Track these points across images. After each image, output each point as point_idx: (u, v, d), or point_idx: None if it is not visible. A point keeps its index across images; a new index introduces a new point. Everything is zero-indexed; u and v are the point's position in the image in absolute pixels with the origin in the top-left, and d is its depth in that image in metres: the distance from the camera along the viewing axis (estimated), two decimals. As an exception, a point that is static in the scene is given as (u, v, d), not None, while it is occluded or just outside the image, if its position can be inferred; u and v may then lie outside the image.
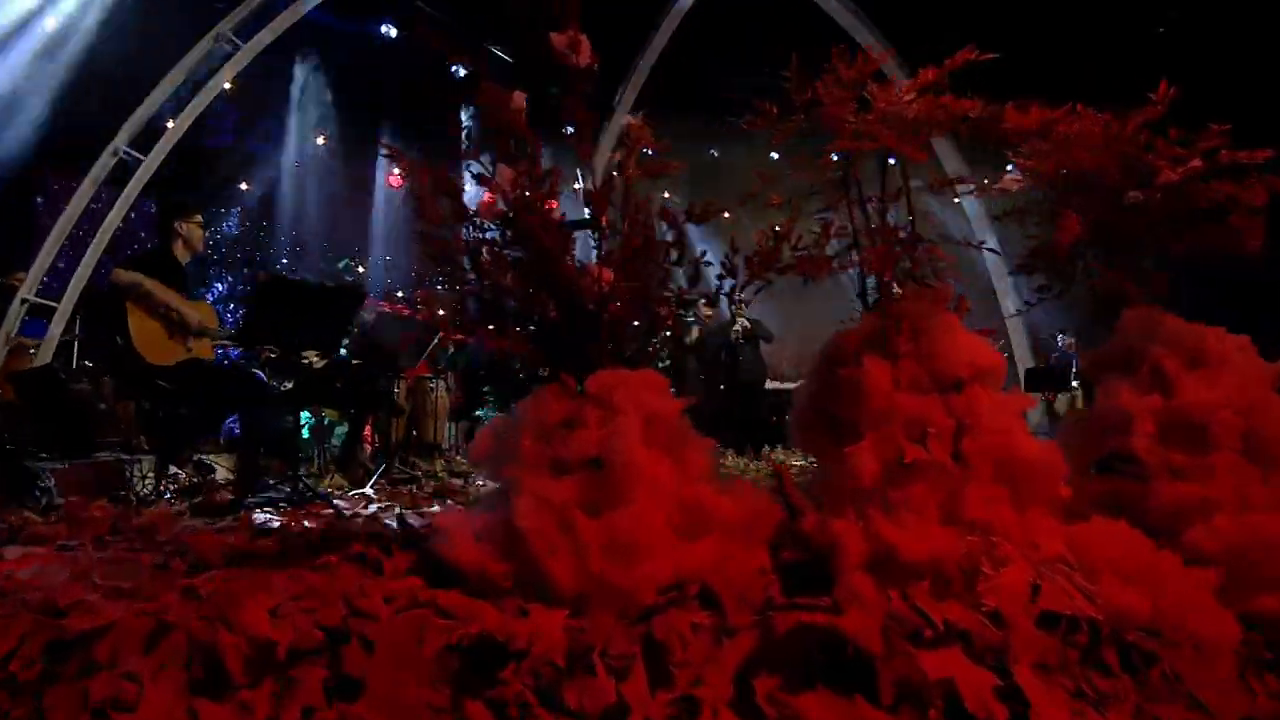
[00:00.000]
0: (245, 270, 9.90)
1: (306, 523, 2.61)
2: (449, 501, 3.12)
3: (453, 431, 8.25)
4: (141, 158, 4.55)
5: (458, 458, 6.58)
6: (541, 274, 1.59)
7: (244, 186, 9.33)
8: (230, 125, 8.65)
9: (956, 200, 10.74)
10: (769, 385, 8.57)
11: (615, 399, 1.48)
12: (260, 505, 2.96)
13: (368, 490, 3.70)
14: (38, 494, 3.09)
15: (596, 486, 1.45)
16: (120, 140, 4.49)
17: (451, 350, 10.07)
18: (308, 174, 9.75)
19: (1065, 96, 1.90)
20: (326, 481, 4.02)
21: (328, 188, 10.07)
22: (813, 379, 1.75)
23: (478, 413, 10.83)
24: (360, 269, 9.90)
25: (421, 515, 2.91)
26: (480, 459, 1.57)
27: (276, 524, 2.57)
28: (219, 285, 9.63)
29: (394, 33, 7.80)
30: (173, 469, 3.59)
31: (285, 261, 10.69)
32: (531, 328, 1.62)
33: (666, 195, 12.67)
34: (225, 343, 3.71)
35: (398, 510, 2.71)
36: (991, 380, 1.62)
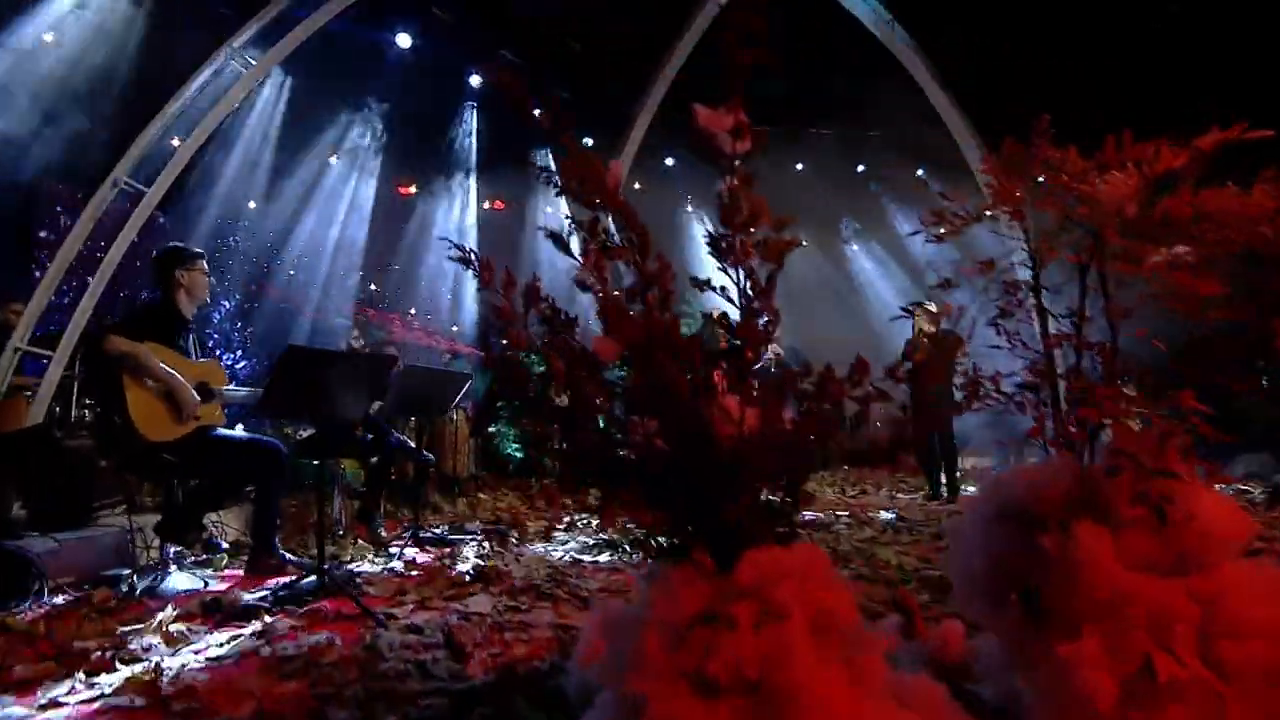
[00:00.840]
0: (253, 287, 9.54)
1: (338, 639, 2.25)
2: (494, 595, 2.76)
3: (472, 449, 7.95)
4: (144, 189, 4.18)
5: (480, 495, 6.23)
6: (666, 415, 1.23)
7: (251, 204, 8.97)
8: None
9: (989, 214, 10.41)
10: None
11: (776, 595, 1.13)
12: (282, 601, 2.60)
13: (398, 563, 3.35)
14: (28, 585, 2.74)
15: (754, 714, 1.10)
16: (120, 171, 4.12)
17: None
18: (315, 187, 9.41)
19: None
20: (349, 547, 3.67)
21: (336, 201, 9.74)
22: (988, 533, 1.39)
23: (491, 428, 10.60)
24: (373, 286, 9.56)
25: (467, 613, 2.56)
26: (590, 662, 1.21)
27: (303, 642, 2.22)
28: (225, 302, 9.25)
29: (408, 42, 7.44)
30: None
31: (293, 273, 10.35)
32: (649, 484, 1.26)
33: (690, 210, 12.30)
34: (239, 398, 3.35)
35: (445, 621, 2.35)
36: (1241, 551, 1.27)
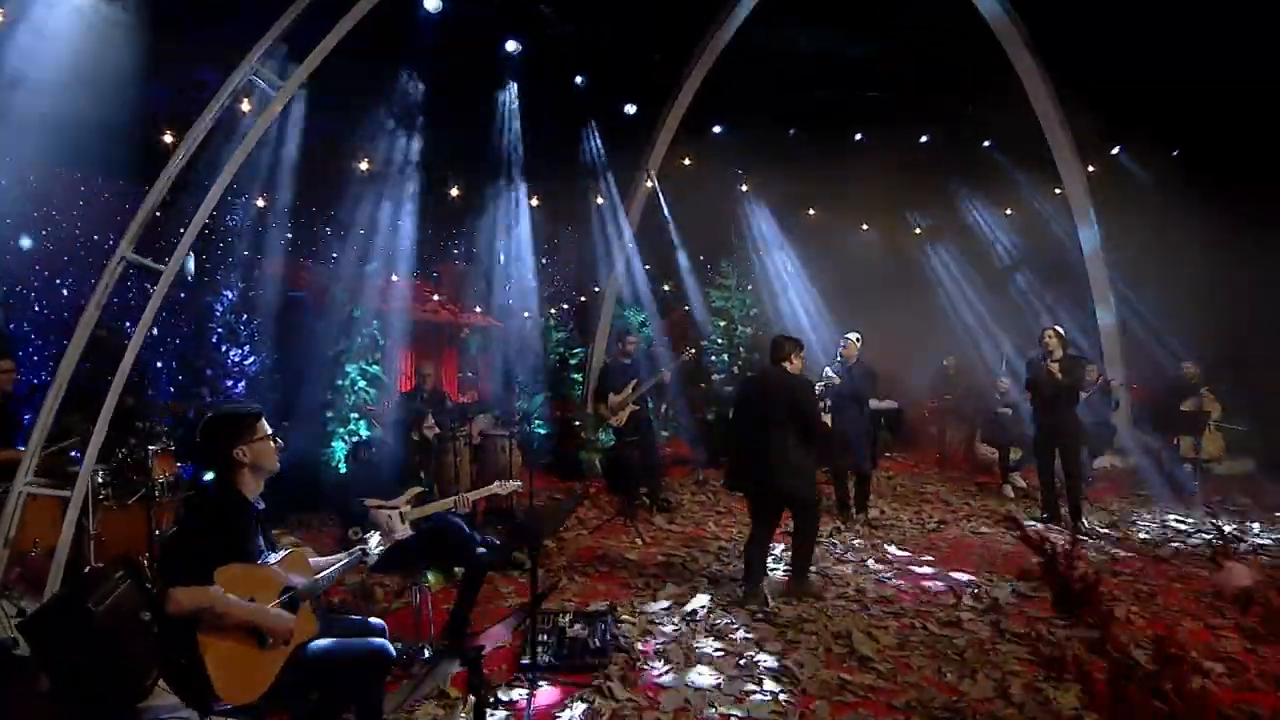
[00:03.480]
0: (256, 272, 8.57)
1: None
2: None
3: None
4: (160, 268, 3.27)
5: (550, 543, 5.59)
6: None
7: (261, 203, 7.89)
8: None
9: (1058, 191, 9.49)
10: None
11: None
12: None
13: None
14: None
15: None
16: (125, 248, 3.19)
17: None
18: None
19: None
20: (458, 713, 3.07)
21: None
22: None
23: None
24: (395, 277, 8.64)
25: None
26: None
27: None
28: (228, 293, 8.33)
29: (436, 5, 6.30)
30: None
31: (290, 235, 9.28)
32: None
33: (744, 188, 11.12)
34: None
35: None
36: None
